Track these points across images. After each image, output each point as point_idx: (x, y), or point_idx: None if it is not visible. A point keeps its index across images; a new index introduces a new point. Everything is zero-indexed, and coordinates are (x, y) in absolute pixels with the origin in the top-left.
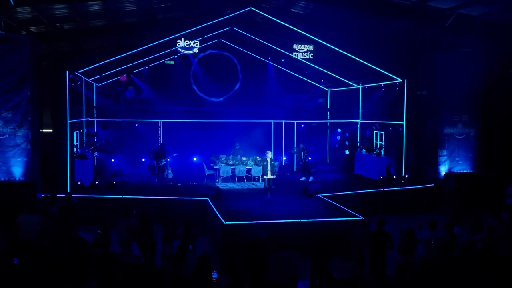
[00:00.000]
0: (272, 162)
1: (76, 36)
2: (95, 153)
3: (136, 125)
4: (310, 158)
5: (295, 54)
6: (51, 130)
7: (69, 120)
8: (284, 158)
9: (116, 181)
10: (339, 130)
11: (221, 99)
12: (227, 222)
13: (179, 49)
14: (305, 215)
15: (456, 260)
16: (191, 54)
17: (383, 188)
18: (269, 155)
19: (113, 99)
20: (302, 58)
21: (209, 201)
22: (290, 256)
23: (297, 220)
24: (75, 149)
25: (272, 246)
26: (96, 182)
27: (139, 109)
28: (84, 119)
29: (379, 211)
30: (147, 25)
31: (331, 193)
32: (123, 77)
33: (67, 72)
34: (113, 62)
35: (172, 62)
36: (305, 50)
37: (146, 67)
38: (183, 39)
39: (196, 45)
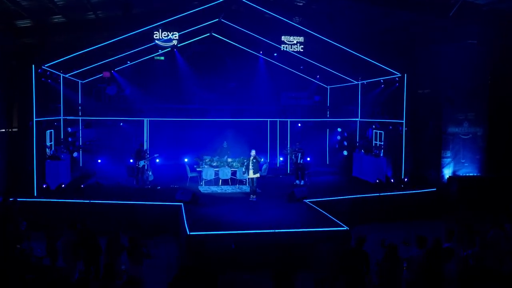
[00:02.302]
0: (254, 161)
1: (48, 30)
2: (75, 154)
3: (121, 124)
4: (309, 159)
5: (283, 47)
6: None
7: (37, 118)
8: (281, 159)
9: (88, 183)
10: (339, 129)
11: (212, 96)
12: (191, 232)
13: (156, 42)
14: (272, 226)
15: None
16: (171, 46)
17: (378, 193)
18: (253, 153)
19: (95, 96)
20: (292, 51)
21: (183, 207)
22: (245, 279)
23: (271, 231)
24: (47, 149)
25: (237, 262)
26: (63, 186)
27: (121, 107)
28: (62, 117)
29: (374, 219)
30: (123, 18)
31: (320, 198)
32: (106, 73)
33: (33, 66)
34: (88, 57)
35: (162, 58)
36: (295, 42)
37: (129, 63)
38: (160, 30)
39: (175, 37)
